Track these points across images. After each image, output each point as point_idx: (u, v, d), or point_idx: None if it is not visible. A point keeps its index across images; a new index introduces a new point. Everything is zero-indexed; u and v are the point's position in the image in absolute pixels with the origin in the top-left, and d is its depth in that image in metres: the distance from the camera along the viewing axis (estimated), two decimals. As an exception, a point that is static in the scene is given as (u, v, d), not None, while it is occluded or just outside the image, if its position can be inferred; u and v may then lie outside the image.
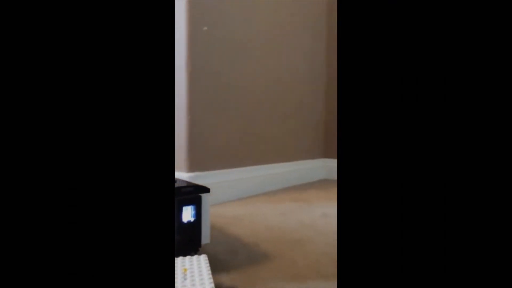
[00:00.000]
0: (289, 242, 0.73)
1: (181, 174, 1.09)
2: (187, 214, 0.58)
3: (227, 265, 0.58)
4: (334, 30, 1.63)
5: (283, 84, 1.48)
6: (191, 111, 1.09)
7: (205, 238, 0.60)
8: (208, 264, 0.48)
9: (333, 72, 1.66)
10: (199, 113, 1.12)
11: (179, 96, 1.11)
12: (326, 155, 1.76)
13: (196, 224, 0.59)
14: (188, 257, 0.50)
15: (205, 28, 1.12)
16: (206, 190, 0.60)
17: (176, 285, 0.43)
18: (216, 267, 0.56)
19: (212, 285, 0.43)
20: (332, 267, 0.59)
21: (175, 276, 0.44)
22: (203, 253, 0.53)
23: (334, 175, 1.64)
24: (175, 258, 0.49)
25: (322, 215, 0.96)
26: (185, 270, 0.46)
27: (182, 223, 0.57)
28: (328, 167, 1.72)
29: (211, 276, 0.45)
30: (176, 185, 0.60)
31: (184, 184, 0.61)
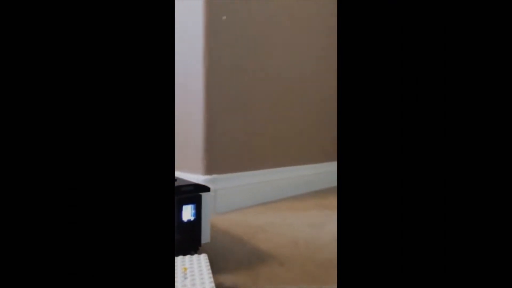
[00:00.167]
0: (322, 264, 0.60)
1: (198, 177, 1.00)
2: (187, 213, 0.57)
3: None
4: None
5: (307, 82, 1.37)
6: (208, 109, 1.00)
7: (205, 237, 0.59)
8: (208, 263, 0.47)
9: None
10: (217, 111, 1.02)
11: (195, 92, 1.03)
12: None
13: (196, 223, 0.58)
14: (188, 256, 0.49)
15: (224, 17, 1.03)
16: (206, 189, 0.60)
17: (176, 284, 0.42)
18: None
19: (213, 284, 0.42)
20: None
21: (175, 275, 0.44)
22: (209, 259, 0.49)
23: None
24: (175, 257, 0.49)
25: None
26: (185, 269, 0.45)
27: (182, 222, 0.56)
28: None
29: (211, 275, 0.44)
30: (176, 184, 0.59)
31: (184, 183, 0.60)
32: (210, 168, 1.01)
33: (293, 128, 1.33)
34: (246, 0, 1.09)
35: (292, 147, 1.33)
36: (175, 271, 0.45)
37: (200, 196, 0.59)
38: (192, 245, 0.58)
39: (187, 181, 0.65)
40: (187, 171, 1.08)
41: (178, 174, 1.08)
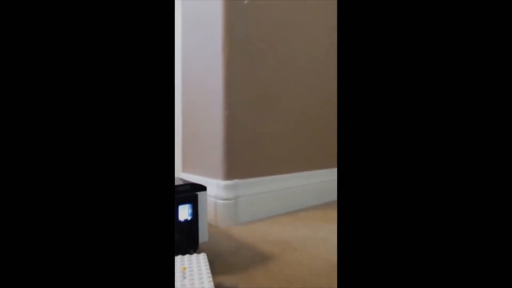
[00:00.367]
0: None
1: (218, 183, 0.89)
2: (184, 212, 0.57)
3: None
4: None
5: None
6: (228, 106, 0.88)
7: (203, 236, 0.59)
8: (207, 263, 0.47)
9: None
10: (238, 108, 0.90)
11: (213, 86, 0.91)
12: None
13: (193, 222, 0.58)
14: (187, 256, 0.49)
15: (246, 1, 0.91)
16: (203, 188, 0.60)
17: (175, 284, 0.42)
18: None
19: (212, 283, 0.42)
20: None
21: (174, 274, 0.44)
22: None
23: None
24: (175, 257, 0.48)
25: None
26: (184, 268, 0.45)
27: (179, 221, 0.57)
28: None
29: (210, 274, 0.44)
30: (173, 183, 0.58)
31: (181, 183, 0.60)
32: (231, 172, 0.90)
33: (325, 126, 1.19)
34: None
35: (325, 148, 1.18)
36: (174, 271, 0.44)
37: (197, 195, 0.59)
38: (189, 245, 0.58)
39: (184, 180, 0.64)
40: (204, 176, 0.97)
41: (195, 178, 0.97)
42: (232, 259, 0.61)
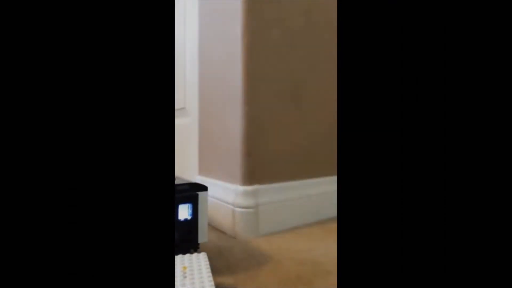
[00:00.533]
0: None
1: (236, 188, 0.78)
2: (184, 212, 0.57)
3: None
4: None
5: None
6: (248, 101, 0.78)
7: (203, 236, 0.59)
8: (208, 262, 0.47)
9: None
10: (260, 104, 0.80)
11: (232, 79, 0.81)
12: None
13: (193, 222, 0.58)
14: (187, 255, 0.49)
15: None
16: (203, 188, 0.60)
17: (175, 283, 0.41)
18: None
19: (212, 283, 0.42)
20: None
21: (175, 274, 0.43)
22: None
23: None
24: (175, 256, 0.48)
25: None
26: (185, 268, 0.45)
27: (179, 221, 0.56)
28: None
29: (210, 274, 0.44)
30: (173, 183, 0.60)
31: (181, 182, 0.60)
32: (251, 176, 0.79)
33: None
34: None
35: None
36: (175, 270, 0.44)
37: (197, 195, 0.58)
38: (189, 245, 0.57)
39: (184, 179, 0.64)
40: (222, 180, 0.87)
41: (211, 182, 0.87)
42: (250, 282, 0.50)
